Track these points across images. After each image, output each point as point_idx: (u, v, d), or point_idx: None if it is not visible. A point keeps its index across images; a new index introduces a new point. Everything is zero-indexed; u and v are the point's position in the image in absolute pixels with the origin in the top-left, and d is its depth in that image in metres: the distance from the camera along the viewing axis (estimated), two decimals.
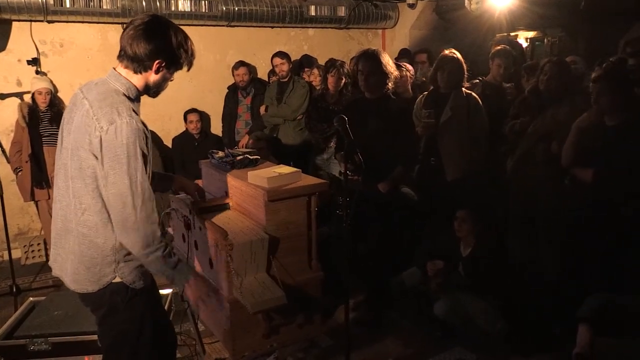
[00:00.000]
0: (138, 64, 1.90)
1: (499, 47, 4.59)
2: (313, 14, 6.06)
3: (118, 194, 1.81)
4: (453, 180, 3.84)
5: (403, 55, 6.02)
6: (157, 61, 1.90)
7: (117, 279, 1.95)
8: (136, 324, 2.02)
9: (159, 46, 1.88)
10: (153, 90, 2.01)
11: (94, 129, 1.80)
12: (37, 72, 5.02)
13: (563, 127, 3.52)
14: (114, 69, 1.96)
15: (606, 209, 3.09)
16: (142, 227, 1.84)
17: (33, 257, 5.12)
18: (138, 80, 1.94)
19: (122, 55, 1.92)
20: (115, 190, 1.81)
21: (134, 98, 1.94)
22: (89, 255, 1.92)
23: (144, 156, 1.84)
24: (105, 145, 1.79)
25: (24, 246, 5.09)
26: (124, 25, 1.96)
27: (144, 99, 2.08)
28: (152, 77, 1.95)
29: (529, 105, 3.85)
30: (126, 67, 1.93)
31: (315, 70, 5.47)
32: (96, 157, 1.81)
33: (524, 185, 3.83)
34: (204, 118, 5.77)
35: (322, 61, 5.89)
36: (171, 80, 2.04)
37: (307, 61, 6.05)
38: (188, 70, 2.05)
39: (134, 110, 1.87)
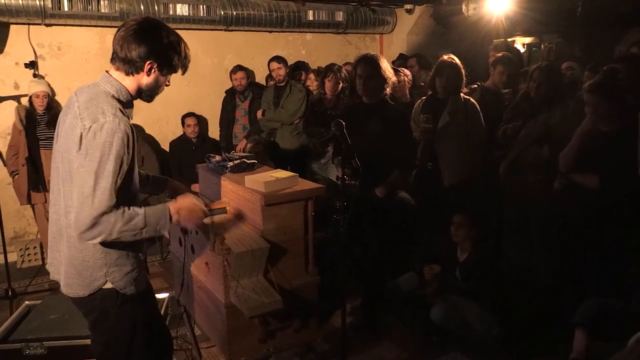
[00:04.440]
0: (129, 65, 1.89)
1: (500, 54, 4.60)
2: (311, 18, 6.07)
3: (80, 192, 1.77)
4: (450, 185, 3.85)
5: (400, 60, 6.03)
6: (148, 62, 1.89)
7: (108, 285, 1.92)
8: (128, 330, 2.00)
9: (149, 47, 1.87)
10: (146, 94, 1.99)
11: (78, 128, 1.79)
12: (34, 76, 5.02)
13: (555, 131, 3.53)
14: (107, 71, 1.95)
15: (602, 212, 3.10)
16: (97, 229, 1.77)
17: (29, 260, 5.10)
18: (130, 82, 1.93)
19: (115, 58, 1.91)
20: (78, 188, 1.77)
21: (125, 101, 1.93)
22: (80, 259, 1.90)
23: (120, 158, 1.78)
24: (84, 143, 1.77)
25: (20, 249, 5.08)
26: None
27: (143, 102, 2.08)
28: (145, 79, 1.94)
29: (522, 110, 3.87)
30: (118, 69, 1.92)
31: (311, 75, 5.47)
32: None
33: (516, 189, 3.84)
34: (202, 122, 5.77)
35: (319, 66, 5.91)
36: (167, 85, 2.03)
37: (302, 66, 6.07)
38: (183, 73, 2.04)
39: (120, 111, 1.84)
